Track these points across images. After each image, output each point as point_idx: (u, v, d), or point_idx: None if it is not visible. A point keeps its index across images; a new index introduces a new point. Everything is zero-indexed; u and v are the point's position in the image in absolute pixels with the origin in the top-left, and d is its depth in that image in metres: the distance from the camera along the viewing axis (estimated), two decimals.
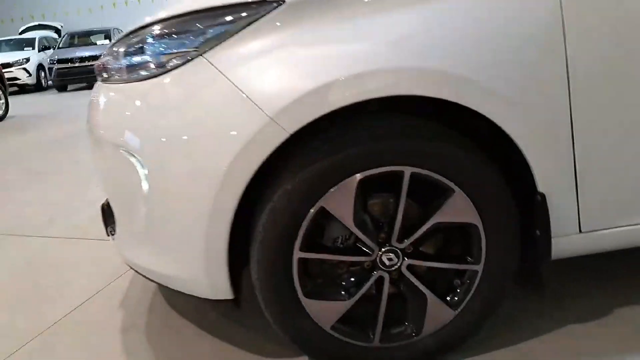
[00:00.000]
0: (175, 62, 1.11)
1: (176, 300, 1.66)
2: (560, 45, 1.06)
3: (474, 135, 1.18)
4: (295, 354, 1.33)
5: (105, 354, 1.43)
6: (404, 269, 1.17)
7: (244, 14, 1.06)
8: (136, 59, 1.18)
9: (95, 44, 12.81)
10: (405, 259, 1.17)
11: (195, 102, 1.08)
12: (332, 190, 1.07)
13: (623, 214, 1.18)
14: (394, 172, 1.09)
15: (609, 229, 1.19)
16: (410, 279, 1.17)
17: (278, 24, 1.05)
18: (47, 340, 1.53)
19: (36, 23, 15.84)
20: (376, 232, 1.16)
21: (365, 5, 1.05)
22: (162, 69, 1.13)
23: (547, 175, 1.11)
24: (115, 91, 1.24)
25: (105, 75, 1.29)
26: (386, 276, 1.17)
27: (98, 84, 1.37)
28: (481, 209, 1.12)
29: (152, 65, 1.15)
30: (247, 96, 1.01)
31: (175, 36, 1.13)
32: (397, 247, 1.15)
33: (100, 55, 1.36)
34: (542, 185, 1.12)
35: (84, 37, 13.22)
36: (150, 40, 1.16)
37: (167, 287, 1.26)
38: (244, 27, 1.06)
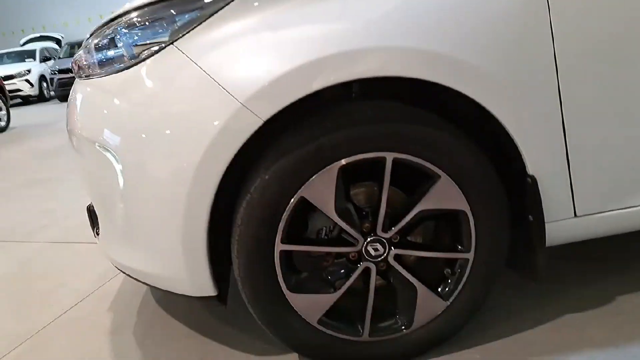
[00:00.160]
0: (146, 53, 1.08)
1: (167, 300, 1.64)
2: (546, 21, 1.01)
3: (459, 118, 1.14)
4: (284, 352, 1.29)
5: (95, 356, 1.40)
6: (391, 259, 1.13)
7: None
8: (107, 52, 1.15)
9: None
10: (392, 248, 1.12)
11: (167, 92, 1.04)
12: (311, 179, 1.03)
13: (621, 195, 1.13)
14: (376, 159, 1.04)
15: (606, 211, 1.14)
16: (399, 270, 1.13)
17: (253, 5, 1.02)
18: (37, 344, 1.51)
19: (37, 35, 15.96)
20: (360, 221, 1.12)
21: None
22: (134, 61, 1.09)
23: (536, 156, 1.06)
24: (89, 87, 1.21)
25: (80, 71, 1.26)
26: (373, 267, 1.13)
27: (75, 82, 1.34)
28: (469, 194, 1.08)
29: (124, 58, 1.12)
30: (218, 83, 0.97)
31: (145, 26, 1.09)
32: (382, 237, 1.11)
33: None
34: (532, 167, 1.07)
35: None
36: (120, 32, 1.12)
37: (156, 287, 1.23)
38: (215, 12, 1.03)
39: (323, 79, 0.95)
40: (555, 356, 1.16)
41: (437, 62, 0.98)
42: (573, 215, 1.12)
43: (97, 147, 1.15)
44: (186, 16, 1.05)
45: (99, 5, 16.01)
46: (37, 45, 14.20)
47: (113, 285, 1.83)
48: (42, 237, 2.47)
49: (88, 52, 1.20)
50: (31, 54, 13.33)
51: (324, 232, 1.17)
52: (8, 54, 13.41)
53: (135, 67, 1.09)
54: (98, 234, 1.40)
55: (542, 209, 1.09)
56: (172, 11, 1.07)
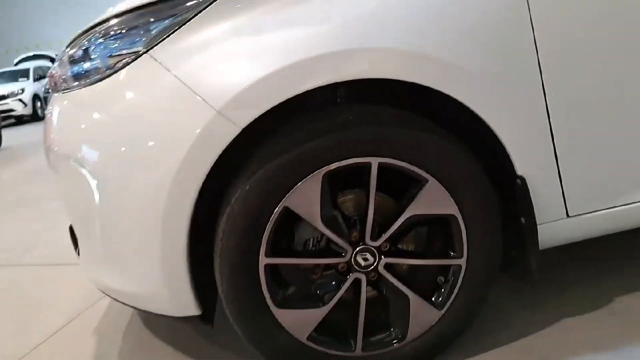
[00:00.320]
0: (120, 63, 1.04)
1: (153, 320, 1.59)
2: (527, 19, 0.99)
3: (448, 121, 1.10)
4: None
5: None
6: (381, 269, 1.08)
7: (188, 4, 1.00)
8: (82, 64, 1.11)
9: None
10: (382, 257, 1.08)
11: (141, 102, 1.00)
12: (295, 188, 0.99)
13: (614, 193, 1.10)
14: (361, 164, 1.01)
15: (600, 210, 1.11)
16: (390, 279, 1.09)
17: (227, 12, 0.98)
18: None
19: (31, 54, 15.95)
20: (348, 230, 1.07)
21: None
22: (109, 72, 1.06)
23: (524, 156, 1.02)
24: (63, 101, 1.17)
25: (55, 85, 1.23)
26: (363, 278, 1.08)
27: (53, 96, 1.30)
28: (458, 198, 1.04)
29: (99, 69, 1.08)
30: (193, 91, 0.94)
31: (120, 35, 1.06)
32: (372, 246, 1.07)
33: None
34: (520, 167, 1.03)
35: None
36: (95, 42, 1.09)
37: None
38: (189, 20, 0.99)
39: (301, 83, 0.91)
40: None
41: (419, 62, 0.94)
42: (565, 215, 1.08)
43: (72, 163, 1.10)
44: (161, 24, 1.02)
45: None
46: (30, 64, 14.18)
47: (100, 306, 1.78)
48: (31, 259, 2.42)
49: (62, 65, 1.16)
50: (25, 73, 13.30)
51: (311, 243, 1.12)
52: (1, 73, 13.39)
53: (110, 77, 1.05)
54: (79, 254, 1.36)
55: (533, 210, 1.06)
56: (147, 19, 1.03)
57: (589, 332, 1.19)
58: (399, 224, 1.05)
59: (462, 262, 1.08)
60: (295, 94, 0.93)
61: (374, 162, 1.00)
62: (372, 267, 1.08)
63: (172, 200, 0.96)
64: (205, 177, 0.96)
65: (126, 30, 1.04)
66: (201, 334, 1.46)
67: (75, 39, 1.16)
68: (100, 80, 1.07)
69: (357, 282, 1.09)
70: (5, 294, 2.04)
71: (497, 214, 1.07)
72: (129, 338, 1.52)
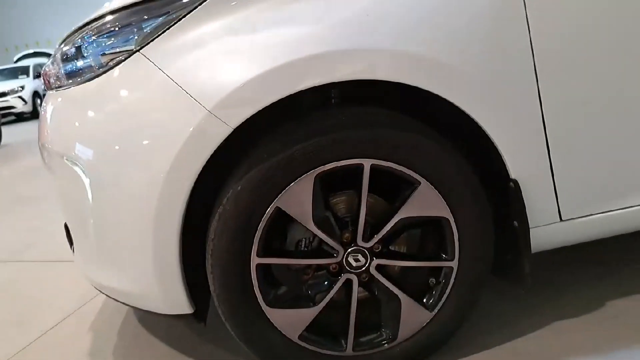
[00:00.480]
0: (112, 62, 1.04)
1: (148, 317, 1.59)
2: (523, 20, 0.98)
3: (443, 123, 1.10)
4: None
5: None
6: (373, 270, 1.08)
7: (181, 2, 1.00)
8: (74, 62, 1.11)
9: None
10: (374, 258, 1.08)
11: (133, 101, 1.00)
12: (287, 188, 0.99)
13: (608, 197, 1.09)
14: (354, 166, 1.01)
15: (593, 214, 1.11)
16: (381, 281, 1.09)
17: (219, 10, 0.98)
18: None
19: (31, 51, 15.95)
20: (340, 231, 1.07)
21: None
22: (100, 71, 1.06)
23: (518, 159, 1.02)
24: (57, 98, 1.17)
25: (49, 83, 1.23)
26: (354, 279, 1.08)
27: (47, 94, 1.30)
28: (450, 200, 1.04)
29: (91, 67, 1.08)
30: (185, 90, 0.94)
31: (113, 33, 1.06)
32: (363, 247, 1.07)
33: None
34: (514, 171, 1.03)
35: None
36: (88, 40, 1.09)
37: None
38: (181, 18, 0.99)
39: (293, 84, 0.91)
40: None
41: (411, 63, 0.94)
42: (559, 219, 1.08)
43: (66, 161, 1.10)
44: (154, 22, 1.02)
45: None
46: (30, 62, 14.17)
47: (96, 303, 1.78)
48: (28, 256, 2.42)
49: (55, 62, 1.16)
50: (25, 71, 13.30)
51: (303, 243, 1.13)
52: (1, 71, 13.39)
53: (102, 76, 1.05)
54: (74, 252, 1.36)
55: (526, 213, 1.06)
56: (140, 17, 1.03)
57: (583, 335, 1.19)
58: (390, 226, 1.05)
59: (454, 264, 1.08)
60: (288, 94, 0.93)
61: (367, 163, 1.00)
62: (364, 268, 1.08)
63: (164, 199, 0.96)
64: (197, 176, 0.96)
65: (119, 28, 1.04)
66: (196, 332, 1.46)
67: (69, 36, 1.16)
68: (93, 78, 1.07)
69: (348, 282, 1.09)
70: (1, 291, 2.04)
71: (489, 217, 1.07)
72: (125, 335, 1.52)
